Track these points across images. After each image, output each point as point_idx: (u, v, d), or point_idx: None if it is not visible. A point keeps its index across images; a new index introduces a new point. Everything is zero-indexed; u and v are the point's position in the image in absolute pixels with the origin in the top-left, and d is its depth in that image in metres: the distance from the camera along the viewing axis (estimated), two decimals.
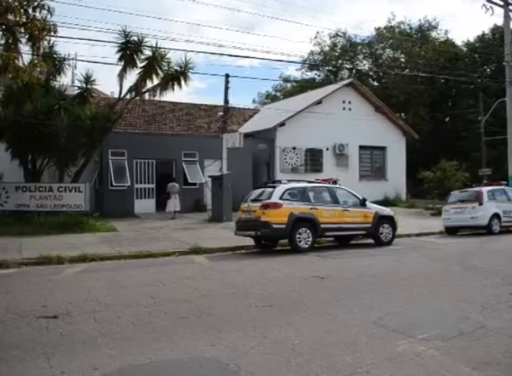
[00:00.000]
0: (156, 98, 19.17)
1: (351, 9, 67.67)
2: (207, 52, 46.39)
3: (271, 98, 47.76)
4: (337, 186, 13.13)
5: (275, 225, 11.05)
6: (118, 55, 17.08)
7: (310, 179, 13.67)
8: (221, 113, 19.58)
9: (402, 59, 39.74)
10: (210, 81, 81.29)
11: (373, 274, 8.22)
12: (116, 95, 19.75)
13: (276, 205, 11.21)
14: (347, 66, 41.34)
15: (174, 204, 19.94)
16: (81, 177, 18.08)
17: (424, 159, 29.77)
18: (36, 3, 8.60)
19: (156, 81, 17.92)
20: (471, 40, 38.44)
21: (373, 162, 25.96)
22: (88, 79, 17.67)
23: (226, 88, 18.35)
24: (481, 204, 14.87)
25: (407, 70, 37.71)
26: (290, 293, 6.84)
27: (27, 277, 8.60)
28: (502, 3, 20.32)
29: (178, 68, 17.84)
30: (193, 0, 23.92)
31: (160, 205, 20.95)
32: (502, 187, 16.13)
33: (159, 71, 17.60)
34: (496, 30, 34.67)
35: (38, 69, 9.25)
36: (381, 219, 12.45)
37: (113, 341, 4.84)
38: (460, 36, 66.62)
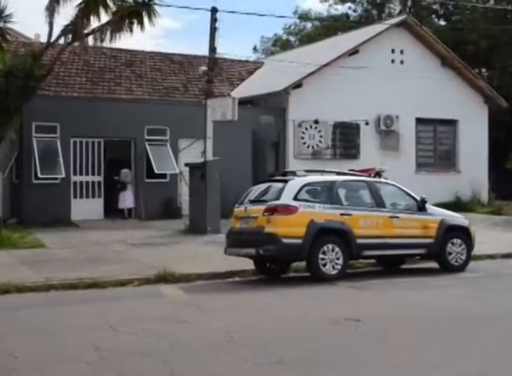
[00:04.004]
0: (106, 44, 19.07)
1: None
2: None
3: (281, 45, 47.64)
4: (382, 180, 13.07)
5: (286, 240, 11.02)
6: None
7: (340, 170, 13.64)
8: (204, 69, 19.49)
9: None
10: (188, 18, 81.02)
11: (435, 316, 8.21)
12: (43, 40, 19.67)
13: (289, 209, 11.19)
14: None
15: (130, 198, 20.02)
16: None
17: None
18: None
19: (104, 17, 17.87)
20: None
21: (438, 144, 25.90)
22: None
23: (213, 30, 18.28)
24: None
25: (491, 1, 37.55)
26: (309, 343, 6.84)
27: None
28: None
29: None
30: None
31: (111, 207, 20.92)
32: None
33: (109, 2, 17.53)
34: None
35: None
36: (450, 232, 12.41)
37: None
38: None
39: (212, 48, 18.49)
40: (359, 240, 11.49)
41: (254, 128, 22.22)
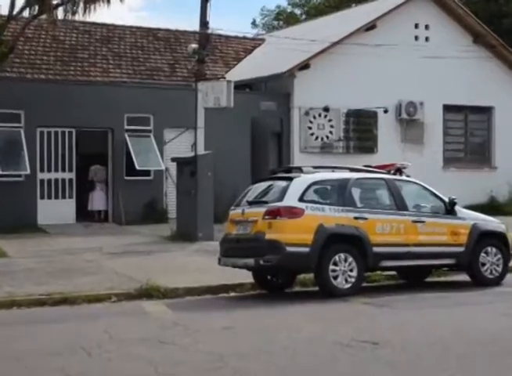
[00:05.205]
0: (78, 18, 19.07)
1: None
2: None
3: (284, 18, 47.65)
4: (404, 177, 13.05)
5: (290, 248, 11.02)
6: None
7: (354, 166, 13.62)
8: (194, 46, 19.49)
9: None
10: None
11: (468, 339, 8.18)
12: (4, 12, 19.66)
13: (293, 212, 11.19)
14: None
15: (100, 199, 20.33)
16: None
17: None
18: None
19: None
20: None
21: (470, 135, 25.87)
22: None
23: (204, 1, 18.29)
24: None
25: None
26: (317, 370, 6.82)
27: None
28: None
29: None
30: None
31: (85, 210, 20.92)
32: None
33: None
34: None
35: None
36: (483, 239, 12.42)
37: None
38: None
39: (204, 23, 18.48)
40: (377, 249, 11.48)
41: (253, 116, 22.20)
